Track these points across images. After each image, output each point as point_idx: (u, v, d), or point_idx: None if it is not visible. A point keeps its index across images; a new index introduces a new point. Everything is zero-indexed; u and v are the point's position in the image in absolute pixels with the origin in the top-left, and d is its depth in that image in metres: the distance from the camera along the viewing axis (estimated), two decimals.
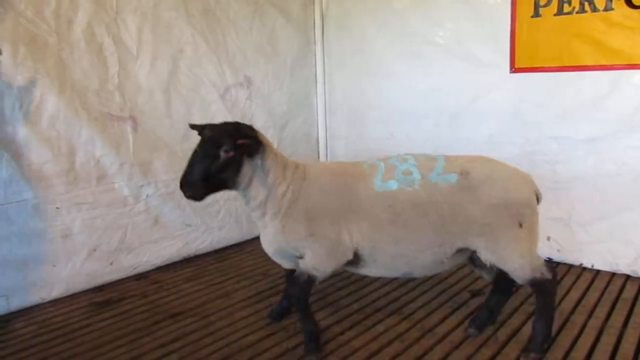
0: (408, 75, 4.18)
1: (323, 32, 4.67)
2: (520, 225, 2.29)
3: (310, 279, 2.38)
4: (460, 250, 2.38)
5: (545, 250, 3.61)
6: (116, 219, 3.41)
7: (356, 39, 4.45)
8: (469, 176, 2.31)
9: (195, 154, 2.29)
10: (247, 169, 2.31)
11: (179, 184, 2.30)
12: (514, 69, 3.60)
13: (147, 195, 3.56)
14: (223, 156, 2.24)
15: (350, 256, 2.37)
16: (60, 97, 3.06)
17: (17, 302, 2.99)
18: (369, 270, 2.47)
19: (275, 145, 2.57)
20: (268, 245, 2.51)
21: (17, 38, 2.84)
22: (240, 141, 2.24)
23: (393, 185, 2.33)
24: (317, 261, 2.37)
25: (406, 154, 2.49)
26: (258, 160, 2.34)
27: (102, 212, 3.33)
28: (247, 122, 4.14)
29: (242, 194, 2.43)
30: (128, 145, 3.44)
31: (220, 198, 3.98)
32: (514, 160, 3.56)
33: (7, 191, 2.90)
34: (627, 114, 3.23)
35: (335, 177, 2.46)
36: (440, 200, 2.29)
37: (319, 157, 4.92)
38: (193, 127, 2.42)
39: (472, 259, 2.47)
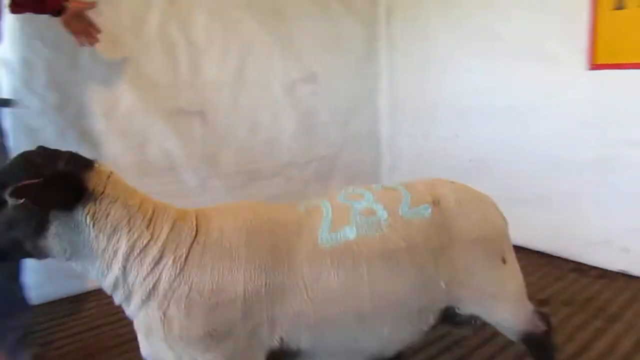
0: (475, 73, 4.01)
1: (388, 28, 4.61)
2: (504, 262, 1.79)
3: None
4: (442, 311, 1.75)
5: (624, 263, 3.37)
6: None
7: (421, 35, 4.34)
8: (441, 206, 1.72)
9: None
10: (60, 229, 1.35)
11: None
12: (593, 65, 3.38)
13: (213, 187, 3.68)
14: (10, 202, 1.30)
15: None
16: (134, 92, 3.23)
17: (91, 283, 3.16)
18: None
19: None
20: (142, 345, 1.51)
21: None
22: (23, 182, 1.27)
23: (349, 233, 1.58)
24: None
25: (356, 188, 1.78)
26: (81, 216, 1.38)
27: (169, 202, 3.47)
28: (310, 118, 4.29)
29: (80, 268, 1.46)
30: (196, 138, 3.58)
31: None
32: (590, 166, 3.41)
33: None
34: None
35: (255, 236, 1.54)
36: (419, 243, 1.63)
37: (381, 156, 4.87)
38: None
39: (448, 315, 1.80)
